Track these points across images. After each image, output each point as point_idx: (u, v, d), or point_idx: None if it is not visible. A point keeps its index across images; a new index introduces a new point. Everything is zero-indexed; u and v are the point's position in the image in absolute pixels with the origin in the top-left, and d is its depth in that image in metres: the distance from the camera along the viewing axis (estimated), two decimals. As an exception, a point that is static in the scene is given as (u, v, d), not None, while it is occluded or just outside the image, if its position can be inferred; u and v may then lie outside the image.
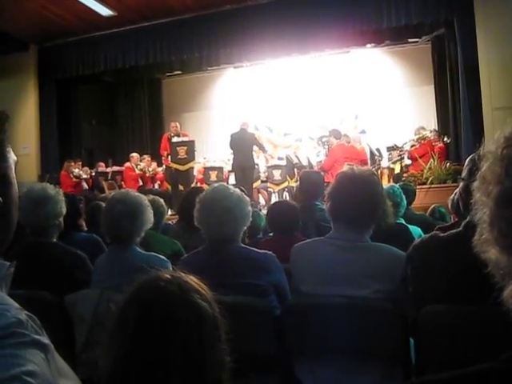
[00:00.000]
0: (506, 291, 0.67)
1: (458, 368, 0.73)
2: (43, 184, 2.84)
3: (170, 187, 10.60)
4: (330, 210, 2.24)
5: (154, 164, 11.55)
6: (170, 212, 7.25)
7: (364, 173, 2.24)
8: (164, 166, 11.10)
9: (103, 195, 6.77)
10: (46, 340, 0.77)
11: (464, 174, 2.04)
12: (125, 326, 1.10)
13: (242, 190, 2.56)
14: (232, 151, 9.66)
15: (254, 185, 10.31)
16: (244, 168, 9.33)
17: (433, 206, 5.21)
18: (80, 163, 11.08)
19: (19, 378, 0.68)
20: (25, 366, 0.69)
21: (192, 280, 1.17)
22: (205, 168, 11.24)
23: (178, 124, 10.57)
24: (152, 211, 2.63)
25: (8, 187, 0.91)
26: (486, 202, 0.69)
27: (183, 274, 1.18)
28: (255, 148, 9.97)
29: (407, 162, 9.77)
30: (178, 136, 10.25)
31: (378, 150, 10.20)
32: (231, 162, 9.87)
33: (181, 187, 9.70)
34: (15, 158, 0.95)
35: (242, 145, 9.36)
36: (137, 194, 2.68)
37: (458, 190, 2.15)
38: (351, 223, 2.17)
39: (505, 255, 0.66)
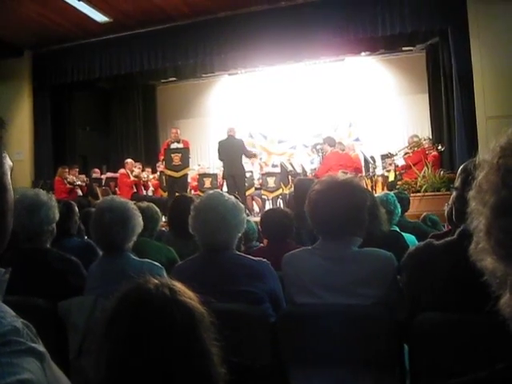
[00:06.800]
0: (503, 300, 0.67)
1: (452, 375, 0.73)
2: (36, 190, 2.83)
3: (164, 194, 10.57)
4: (312, 223, 2.21)
5: (148, 170, 11.52)
6: (164, 219, 7.22)
7: (343, 181, 2.16)
8: (158, 173, 11.08)
9: (97, 202, 6.74)
10: (41, 348, 0.76)
11: (457, 183, 2.04)
12: (117, 331, 1.09)
13: (236, 198, 2.56)
14: (222, 159, 9.63)
15: (248, 192, 10.30)
16: (234, 176, 9.33)
17: (424, 214, 5.18)
18: (77, 170, 11.00)
19: None
20: (21, 375, 0.68)
21: (178, 284, 1.18)
22: (199, 175, 11.21)
23: (178, 130, 10.46)
24: (140, 215, 2.62)
25: (3, 193, 0.90)
26: (482, 211, 0.69)
27: (169, 279, 1.19)
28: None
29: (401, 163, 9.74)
30: (178, 142, 10.17)
31: (372, 157, 10.22)
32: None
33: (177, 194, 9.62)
34: (11, 163, 0.94)
35: (231, 152, 9.36)
36: (123, 199, 2.67)
37: (451, 199, 2.15)
38: (335, 235, 2.13)
39: (501, 264, 0.66)
